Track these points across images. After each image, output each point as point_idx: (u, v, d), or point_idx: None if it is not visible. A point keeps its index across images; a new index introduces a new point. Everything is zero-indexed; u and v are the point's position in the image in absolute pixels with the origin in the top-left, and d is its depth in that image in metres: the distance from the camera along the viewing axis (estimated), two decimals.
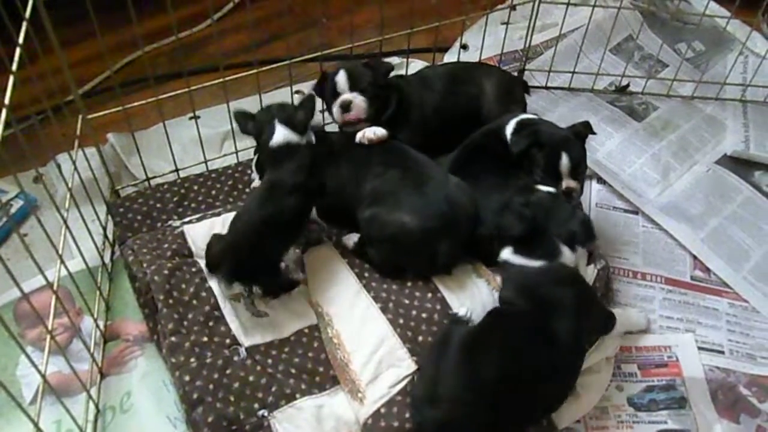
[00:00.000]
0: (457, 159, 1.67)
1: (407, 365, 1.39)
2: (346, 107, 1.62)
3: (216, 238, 1.51)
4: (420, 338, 1.42)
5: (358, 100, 1.62)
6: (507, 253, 1.42)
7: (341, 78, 1.63)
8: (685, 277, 1.73)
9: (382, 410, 1.34)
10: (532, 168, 1.56)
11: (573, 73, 2.12)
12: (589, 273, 1.55)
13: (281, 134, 1.49)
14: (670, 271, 1.74)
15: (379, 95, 1.64)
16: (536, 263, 1.39)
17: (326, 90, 1.66)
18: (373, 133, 1.58)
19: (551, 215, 1.40)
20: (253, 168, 1.71)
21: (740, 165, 2.00)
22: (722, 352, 1.59)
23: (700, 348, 1.59)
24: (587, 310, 1.40)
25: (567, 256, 1.39)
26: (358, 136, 1.59)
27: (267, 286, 1.50)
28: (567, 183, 1.56)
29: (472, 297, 1.48)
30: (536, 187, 1.49)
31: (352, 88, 1.62)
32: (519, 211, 1.40)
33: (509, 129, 1.63)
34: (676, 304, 1.67)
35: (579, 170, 1.57)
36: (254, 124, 1.52)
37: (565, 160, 1.54)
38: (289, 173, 1.47)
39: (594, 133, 1.65)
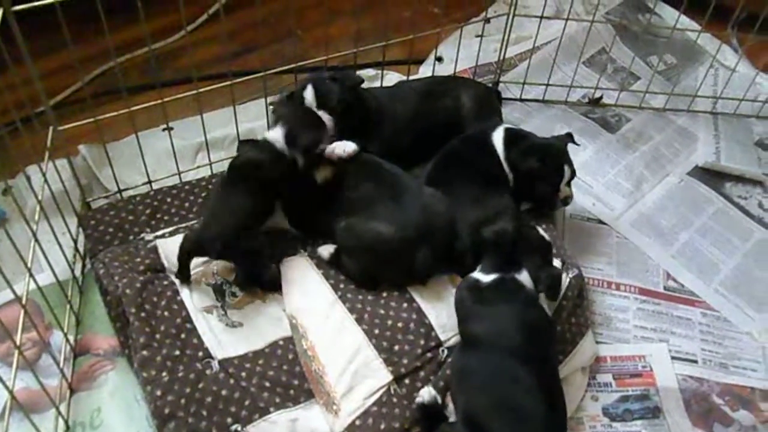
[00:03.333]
0: (435, 167, 1.67)
1: (383, 375, 1.38)
2: None
3: (190, 229, 1.55)
4: (396, 347, 1.41)
5: (326, 119, 1.60)
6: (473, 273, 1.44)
7: (308, 95, 1.63)
8: (659, 288, 1.75)
9: (357, 422, 1.33)
10: (534, 181, 1.63)
11: (547, 85, 2.14)
12: (562, 281, 1.55)
13: (275, 136, 1.53)
14: (643, 281, 1.75)
15: (346, 112, 1.63)
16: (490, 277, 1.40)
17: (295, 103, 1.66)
18: (342, 150, 1.56)
19: (532, 255, 1.42)
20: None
21: (712, 176, 2.03)
22: (695, 362, 1.61)
23: (673, 357, 1.61)
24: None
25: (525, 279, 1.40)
26: (327, 152, 1.57)
27: (245, 272, 1.52)
28: (565, 192, 1.66)
29: (448, 307, 1.47)
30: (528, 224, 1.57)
31: (320, 105, 1.62)
32: (503, 231, 1.45)
33: (498, 140, 1.66)
34: (650, 314, 1.69)
35: (570, 180, 1.67)
36: (280, 111, 1.60)
37: (567, 173, 1.64)
38: (258, 156, 1.52)
39: (577, 144, 1.72)
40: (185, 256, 1.49)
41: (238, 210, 1.47)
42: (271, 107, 1.78)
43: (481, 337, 1.34)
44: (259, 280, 1.54)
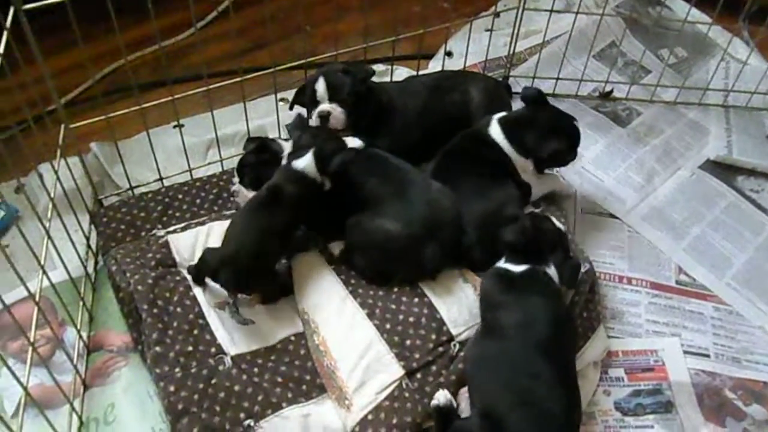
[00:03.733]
0: (438, 165, 1.67)
1: (394, 370, 1.38)
2: (325, 118, 1.62)
3: (209, 250, 1.50)
4: (407, 342, 1.42)
5: (337, 112, 1.62)
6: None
7: (320, 87, 1.63)
8: (671, 282, 1.74)
9: (370, 417, 1.33)
10: (554, 158, 1.66)
11: (557, 79, 2.13)
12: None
13: (305, 163, 1.50)
14: (655, 275, 1.75)
15: (358, 104, 1.64)
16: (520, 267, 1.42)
17: (306, 96, 1.66)
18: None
19: (554, 247, 1.44)
20: (236, 173, 1.70)
21: (723, 170, 2.01)
22: (708, 356, 1.60)
23: (685, 352, 1.60)
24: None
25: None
26: None
27: (266, 293, 1.51)
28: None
29: (459, 302, 1.48)
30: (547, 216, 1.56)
31: (332, 97, 1.62)
32: (523, 229, 1.45)
33: (496, 132, 1.64)
34: (662, 308, 1.68)
35: None
36: (299, 138, 1.59)
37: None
38: (293, 188, 1.48)
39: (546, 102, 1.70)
40: (200, 274, 1.49)
41: (263, 236, 1.45)
42: (281, 102, 1.78)
43: (508, 327, 1.34)
44: (275, 298, 1.54)
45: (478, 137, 1.67)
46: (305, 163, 1.49)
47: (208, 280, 1.49)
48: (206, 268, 1.47)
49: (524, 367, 1.29)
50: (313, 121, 1.65)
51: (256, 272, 1.46)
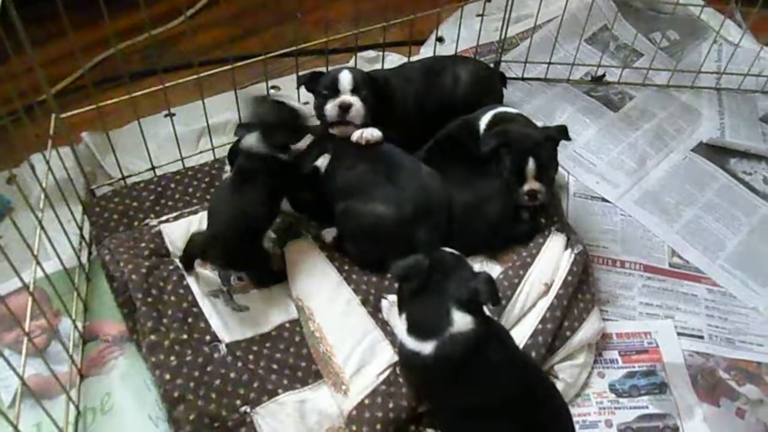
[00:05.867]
0: (430, 150, 1.66)
1: (390, 356, 1.38)
2: (346, 108, 1.59)
3: (197, 233, 1.50)
4: None
5: (359, 106, 1.58)
6: (402, 334, 1.27)
7: (345, 78, 1.60)
8: (664, 264, 1.75)
9: (366, 401, 1.34)
10: (500, 167, 1.55)
11: (549, 63, 2.13)
12: (566, 258, 1.55)
13: (251, 141, 1.48)
14: (648, 258, 1.75)
15: (375, 105, 1.62)
16: (428, 346, 1.21)
17: (320, 86, 1.63)
18: (371, 134, 1.56)
19: (452, 275, 1.25)
20: (227, 160, 1.70)
21: (716, 152, 2.02)
22: (701, 337, 1.61)
23: (679, 333, 1.61)
24: None
25: (459, 324, 1.20)
26: (355, 135, 1.56)
27: (257, 275, 1.51)
28: (531, 185, 1.55)
29: None
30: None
31: (354, 91, 1.60)
32: (417, 262, 1.26)
33: (483, 123, 1.63)
34: (656, 290, 1.69)
35: (545, 174, 1.56)
36: (248, 113, 1.53)
37: (531, 164, 1.53)
38: (256, 165, 1.48)
39: (568, 139, 1.60)
40: (189, 257, 1.49)
41: (243, 215, 1.44)
42: (273, 90, 1.77)
43: (475, 411, 1.22)
44: (268, 281, 1.54)
45: (469, 125, 1.66)
46: (252, 140, 1.48)
47: (198, 268, 1.50)
48: (194, 248, 1.47)
49: None
50: (329, 111, 1.60)
51: (244, 248, 1.46)
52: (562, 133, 1.59)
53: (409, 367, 1.27)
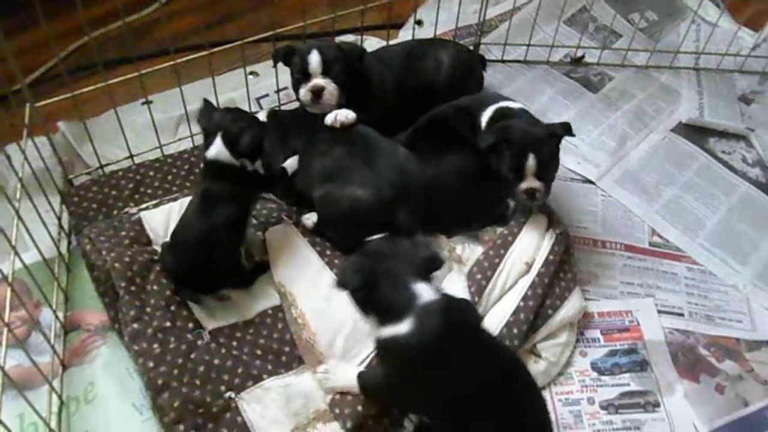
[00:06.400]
0: (418, 129, 1.65)
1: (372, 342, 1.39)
2: (317, 94, 1.58)
3: (166, 250, 1.47)
4: None
5: (331, 88, 1.57)
6: (376, 331, 1.22)
7: (314, 60, 1.57)
8: (644, 244, 1.77)
9: None
10: (499, 163, 1.51)
11: (528, 45, 2.13)
12: (547, 238, 1.56)
13: (216, 150, 1.41)
14: (629, 238, 1.77)
15: (349, 83, 1.60)
16: (404, 325, 1.17)
17: (294, 66, 1.61)
18: (345, 116, 1.55)
19: (395, 256, 1.23)
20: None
21: (695, 132, 2.03)
22: (682, 315, 1.63)
23: (660, 311, 1.62)
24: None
25: (424, 294, 1.18)
26: (329, 118, 1.55)
27: (236, 283, 1.50)
28: (530, 183, 1.50)
29: None
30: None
31: (325, 73, 1.58)
32: (355, 265, 1.24)
33: (484, 117, 1.60)
34: (636, 270, 1.71)
35: (546, 172, 1.51)
36: (207, 123, 1.45)
37: (531, 161, 1.48)
38: (220, 186, 1.42)
39: (572, 135, 1.55)
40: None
41: (209, 245, 1.40)
42: (251, 76, 1.76)
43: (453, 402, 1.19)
44: (248, 283, 1.52)
45: (467, 114, 1.63)
46: (216, 150, 1.41)
47: None
48: (168, 276, 1.46)
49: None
50: (302, 95, 1.59)
51: (214, 275, 1.44)
52: (566, 129, 1.53)
53: (392, 356, 1.23)
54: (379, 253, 1.25)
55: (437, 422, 1.26)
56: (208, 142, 1.42)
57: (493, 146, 1.51)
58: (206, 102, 1.48)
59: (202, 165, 1.47)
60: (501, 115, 1.58)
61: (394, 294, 1.19)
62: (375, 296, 1.20)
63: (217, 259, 1.42)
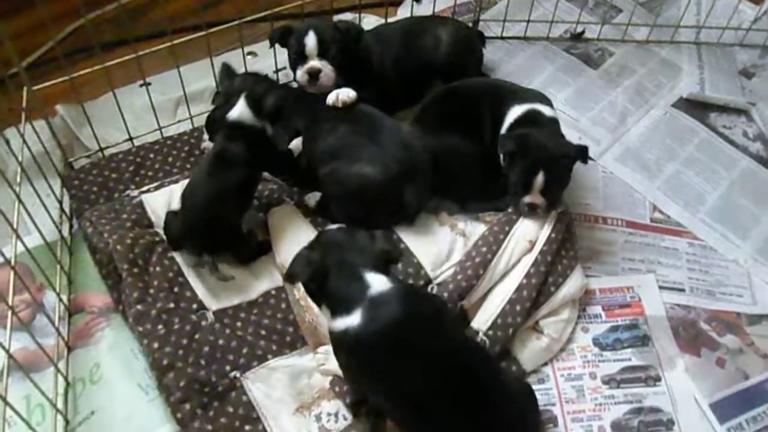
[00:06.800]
0: (430, 105, 1.65)
1: None
2: (314, 76, 1.58)
3: (171, 215, 1.49)
4: None
5: (328, 70, 1.57)
6: (329, 323, 1.21)
7: (311, 41, 1.57)
8: (645, 220, 1.76)
9: None
10: (510, 170, 1.51)
11: (528, 21, 2.11)
12: (551, 216, 1.56)
13: (239, 111, 1.45)
14: (630, 214, 1.77)
15: (346, 63, 1.60)
16: (354, 317, 1.15)
17: (291, 48, 1.62)
18: (346, 95, 1.54)
19: (350, 247, 1.24)
20: (205, 129, 1.68)
21: (696, 107, 2.02)
22: (683, 290, 1.63)
23: (661, 287, 1.62)
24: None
25: (376, 285, 1.17)
26: (330, 98, 1.55)
27: (237, 254, 1.50)
28: (533, 199, 1.51)
29: (435, 245, 1.50)
30: None
31: (322, 54, 1.58)
32: (305, 257, 1.24)
33: (513, 114, 1.57)
34: (638, 245, 1.70)
35: (551, 190, 1.51)
36: (229, 85, 1.50)
37: (540, 179, 1.48)
38: (238, 147, 1.44)
39: (586, 162, 1.53)
40: (172, 241, 1.49)
41: (219, 202, 1.42)
42: (249, 57, 1.75)
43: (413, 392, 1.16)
44: (251, 258, 1.52)
45: (490, 104, 1.62)
46: (239, 110, 1.45)
47: None
48: (170, 240, 1.48)
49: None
50: (299, 77, 1.60)
51: (219, 234, 1.45)
52: (582, 153, 1.52)
53: (342, 349, 1.21)
54: (332, 243, 1.24)
55: (396, 415, 1.24)
56: (229, 104, 1.45)
57: (508, 153, 1.51)
58: (226, 66, 1.53)
59: (221, 129, 1.48)
60: (528, 119, 1.56)
61: (344, 286, 1.17)
62: (326, 288, 1.19)
63: (223, 217, 1.44)
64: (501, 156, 1.54)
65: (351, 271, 1.18)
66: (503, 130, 1.56)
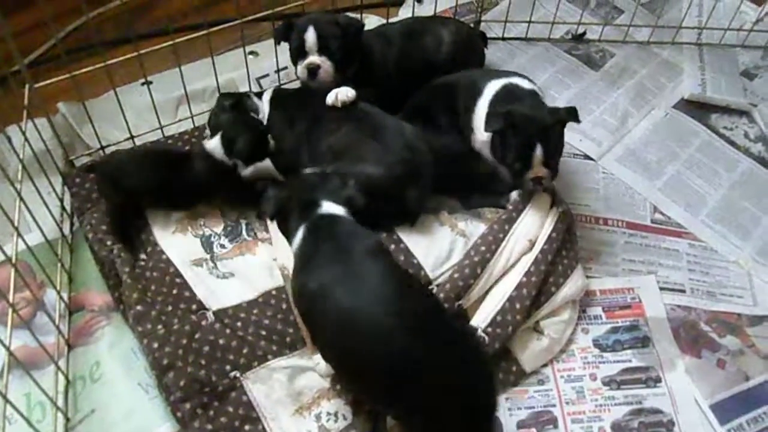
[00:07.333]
0: (421, 95, 1.67)
1: None
2: (313, 71, 1.59)
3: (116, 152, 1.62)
4: None
5: (327, 66, 1.58)
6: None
7: (310, 37, 1.58)
8: (646, 221, 1.77)
9: None
10: (504, 151, 1.49)
11: (529, 22, 2.11)
12: (551, 215, 1.56)
13: (213, 145, 1.53)
14: (630, 215, 1.77)
15: (346, 58, 1.60)
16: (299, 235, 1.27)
17: (292, 43, 1.63)
18: (345, 95, 1.54)
19: (318, 188, 1.33)
20: (207, 125, 1.68)
21: (697, 108, 2.02)
22: (683, 291, 1.63)
23: (662, 288, 1.63)
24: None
25: (326, 207, 1.29)
26: (330, 98, 1.55)
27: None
28: (537, 172, 1.48)
29: (435, 245, 1.49)
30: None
31: (321, 50, 1.58)
32: (274, 195, 1.34)
33: (488, 94, 1.55)
34: (638, 247, 1.71)
35: (552, 159, 1.49)
36: (213, 121, 1.64)
37: (539, 151, 1.45)
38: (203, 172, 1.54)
39: (578, 121, 1.52)
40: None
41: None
42: (251, 56, 1.75)
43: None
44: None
45: (469, 88, 1.61)
46: (213, 144, 1.52)
47: (179, 237, 1.52)
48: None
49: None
50: (299, 72, 1.62)
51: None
52: (572, 114, 1.50)
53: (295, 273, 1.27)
54: (302, 183, 1.33)
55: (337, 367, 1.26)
56: (211, 134, 1.57)
57: (498, 132, 1.49)
58: (221, 99, 1.63)
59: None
60: (508, 93, 1.54)
61: (301, 213, 1.26)
62: (289, 221, 1.28)
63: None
64: (486, 135, 1.51)
65: (311, 203, 1.28)
66: (483, 107, 1.54)
